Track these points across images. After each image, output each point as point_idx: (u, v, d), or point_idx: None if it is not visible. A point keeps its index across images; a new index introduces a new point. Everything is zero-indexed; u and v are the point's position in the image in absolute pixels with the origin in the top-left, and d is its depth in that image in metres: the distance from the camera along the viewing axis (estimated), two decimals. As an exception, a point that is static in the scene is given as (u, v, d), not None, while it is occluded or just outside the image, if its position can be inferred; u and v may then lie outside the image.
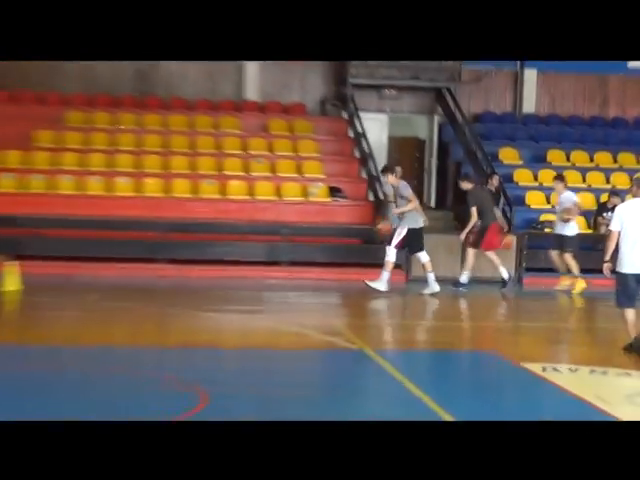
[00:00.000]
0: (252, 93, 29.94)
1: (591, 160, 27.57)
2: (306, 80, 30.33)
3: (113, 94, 29.06)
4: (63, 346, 15.12)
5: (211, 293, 20.50)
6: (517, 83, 30.22)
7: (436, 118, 30.06)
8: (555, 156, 27.54)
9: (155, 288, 20.94)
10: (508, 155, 27.47)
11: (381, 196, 24.80)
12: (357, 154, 27.56)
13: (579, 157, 27.56)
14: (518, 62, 29.85)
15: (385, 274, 20.70)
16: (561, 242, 21.82)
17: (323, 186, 25.60)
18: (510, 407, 11.93)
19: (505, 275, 21.59)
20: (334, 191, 25.39)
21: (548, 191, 25.64)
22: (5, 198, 23.84)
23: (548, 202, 25.14)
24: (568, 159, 27.54)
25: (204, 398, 11.22)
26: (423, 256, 21.04)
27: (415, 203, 20.93)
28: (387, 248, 20.82)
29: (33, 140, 26.11)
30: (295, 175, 26.19)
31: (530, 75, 30.03)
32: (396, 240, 20.70)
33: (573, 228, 21.78)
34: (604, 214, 23.04)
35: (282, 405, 11.58)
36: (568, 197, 21.97)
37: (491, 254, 21.61)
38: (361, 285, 21.01)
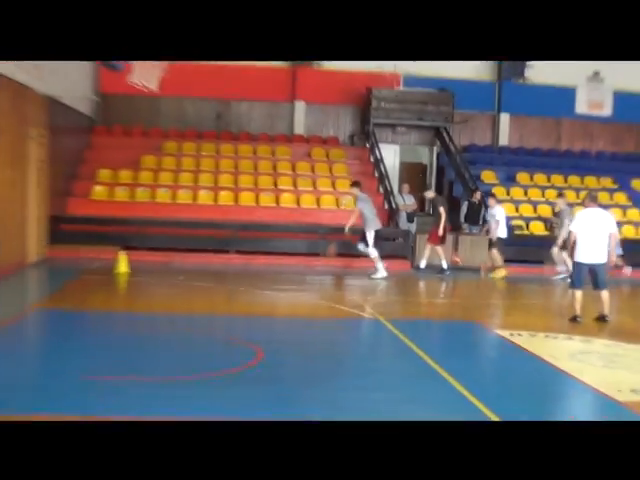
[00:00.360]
0: (300, 129, 29.99)
1: (548, 180, 27.50)
2: (339, 120, 30.38)
3: (198, 129, 29.15)
4: (159, 314, 15.28)
5: (267, 276, 20.58)
6: (494, 123, 30.18)
7: (435, 149, 30.06)
8: (522, 177, 27.50)
9: (226, 272, 21.02)
10: (488, 176, 27.44)
11: (394, 205, 24.85)
12: (376, 174, 27.52)
13: (539, 178, 27.51)
14: (496, 107, 29.92)
15: (379, 264, 20.79)
16: (490, 242, 22.39)
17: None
18: (485, 362, 12.17)
19: (423, 264, 22.07)
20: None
21: (517, 203, 25.71)
22: (119, 205, 24.05)
23: (517, 211, 25.16)
24: (531, 179, 27.48)
25: (260, 353, 11.33)
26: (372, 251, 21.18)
27: (355, 217, 21.11)
28: (363, 248, 21.03)
29: (140, 163, 26.25)
30: (330, 189, 26.23)
31: (504, 117, 30.01)
32: (370, 240, 20.80)
33: (503, 232, 22.30)
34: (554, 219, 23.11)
35: (318, 356, 11.87)
36: (497, 211, 22.40)
37: (431, 248, 21.95)
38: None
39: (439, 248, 21.68)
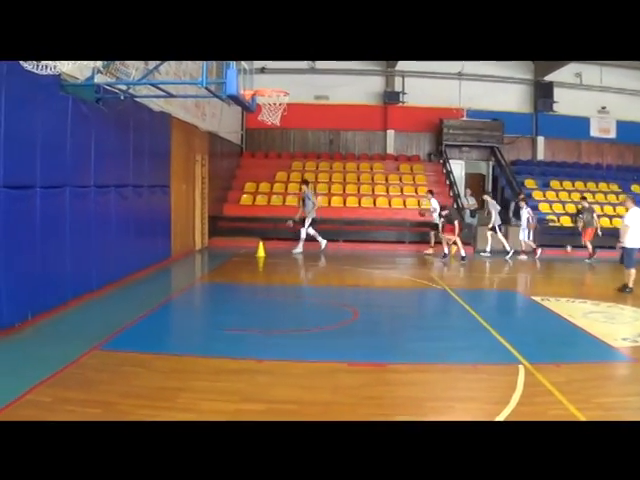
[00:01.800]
0: (390, 150, 29.81)
1: (573, 186, 26.74)
2: (420, 142, 30.14)
3: (317, 152, 29.30)
4: (287, 285, 15.56)
5: (366, 258, 20.56)
6: (533, 144, 29.65)
7: (490, 163, 29.58)
8: (554, 184, 26.84)
9: (336, 255, 21.04)
10: (529, 183, 26.92)
11: (460, 205, 24.71)
12: (447, 182, 27.31)
13: (566, 184, 26.80)
14: (534, 132, 29.46)
15: (320, 238, 21.33)
16: (436, 227, 21.77)
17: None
18: (520, 319, 12.10)
19: (447, 251, 20.58)
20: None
21: (550, 202, 25.25)
22: (260, 208, 24.33)
23: (550, 208, 24.75)
24: (561, 185, 26.78)
25: (356, 313, 11.52)
26: (311, 230, 21.20)
27: (310, 206, 21.25)
28: (306, 230, 21.10)
29: (275, 177, 26.53)
30: (413, 194, 26.07)
31: (540, 139, 29.44)
32: (307, 224, 21.05)
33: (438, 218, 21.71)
34: (580, 215, 22.63)
35: (399, 316, 11.96)
36: (433, 204, 22.12)
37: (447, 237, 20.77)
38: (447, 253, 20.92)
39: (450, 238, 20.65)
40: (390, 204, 25.46)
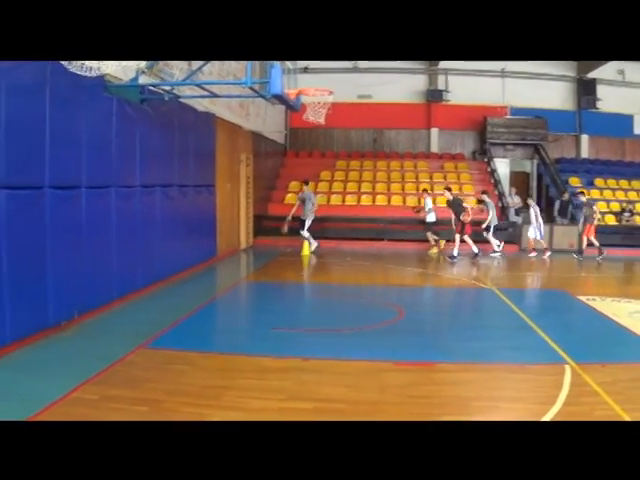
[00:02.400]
0: (434, 148, 29.66)
1: (617, 184, 26.38)
2: (464, 141, 29.94)
3: (360, 151, 29.26)
4: (332, 284, 15.51)
5: (411, 257, 20.51)
6: (577, 142, 29.25)
7: (534, 161, 29.28)
8: (599, 182, 26.53)
9: (380, 254, 21.01)
10: (574, 181, 26.57)
11: (505, 204, 24.52)
12: (492, 181, 27.09)
13: (611, 182, 26.42)
14: (578, 130, 29.04)
15: (312, 240, 20.48)
16: (428, 225, 21.91)
17: (474, 199, 25.23)
18: (568, 317, 11.87)
19: (476, 250, 19.94)
20: (480, 201, 24.99)
21: (595, 200, 24.84)
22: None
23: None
24: (605, 183, 26.41)
25: (401, 312, 11.43)
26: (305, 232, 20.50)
27: (310, 207, 20.48)
28: (302, 232, 20.41)
29: (319, 176, 26.51)
30: (458, 192, 25.84)
31: (584, 137, 29.05)
32: (307, 226, 20.36)
33: (432, 217, 21.76)
34: (625, 213, 22.24)
35: (444, 315, 11.91)
36: (428, 202, 22.07)
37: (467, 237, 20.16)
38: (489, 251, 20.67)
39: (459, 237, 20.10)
40: (435, 202, 25.24)
